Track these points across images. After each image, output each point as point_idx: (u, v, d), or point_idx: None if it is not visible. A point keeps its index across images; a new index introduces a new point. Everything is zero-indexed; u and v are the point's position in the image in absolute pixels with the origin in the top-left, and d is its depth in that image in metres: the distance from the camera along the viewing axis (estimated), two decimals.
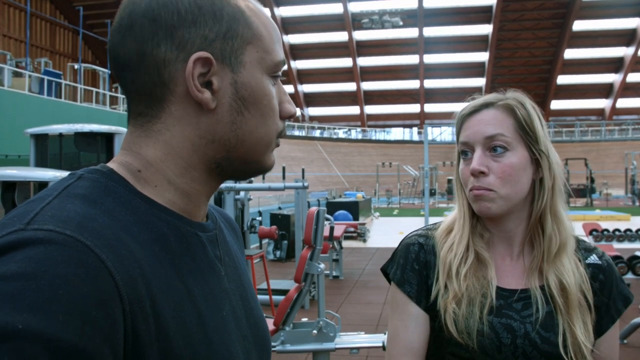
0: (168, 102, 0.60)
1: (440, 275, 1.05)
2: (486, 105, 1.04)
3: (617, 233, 11.24)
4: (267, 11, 0.67)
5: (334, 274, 8.27)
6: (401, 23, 44.05)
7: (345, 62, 49.83)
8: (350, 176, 40.34)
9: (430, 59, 49.39)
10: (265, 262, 6.09)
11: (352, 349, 3.97)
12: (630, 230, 11.44)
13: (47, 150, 8.40)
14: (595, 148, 41.04)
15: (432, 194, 27.92)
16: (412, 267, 1.08)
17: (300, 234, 6.24)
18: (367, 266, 9.29)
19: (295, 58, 49.86)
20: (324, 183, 36.57)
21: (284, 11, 46.99)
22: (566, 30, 44.79)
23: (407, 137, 48.69)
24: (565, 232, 1.03)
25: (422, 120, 49.94)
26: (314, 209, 4.35)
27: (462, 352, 1.00)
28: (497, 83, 47.15)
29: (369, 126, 51.42)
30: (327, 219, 7.20)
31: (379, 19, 43.78)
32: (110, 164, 0.61)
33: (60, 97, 19.70)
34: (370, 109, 53.12)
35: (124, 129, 8.07)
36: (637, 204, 26.00)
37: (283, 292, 5.71)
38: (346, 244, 10.71)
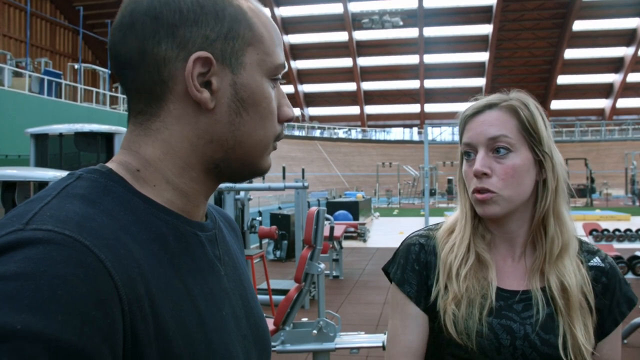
0: (167, 101, 0.60)
1: (441, 276, 1.04)
2: (489, 106, 1.04)
3: (617, 233, 11.25)
4: (268, 12, 0.67)
5: (334, 274, 8.27)
6: (401, 23, 44.05)
7: (346, 62, 49.83)
8: (350, 176, 40.34)
9: (430, 59, 49.38)
10: (265, 262, 6.09)
11: (352, 349, 3.97)
12: (630, 230, 11.45)
13: (47, 150, 8.40)
14: (595, 148, 41.04)
15: (432, 194, 27.93)
16: (413, 267, 1.08)
17: (300, 234, 6.24)
18: (367, 266, 9.29)
19: (295, 58, 49.85)
20: (324, 183, 36.57)
21: (284, 11, 46.99)
22: (566, 30, 44.79)
23: (407, 137, 48.67)
24: (567, 234, 1.03)
25: (422, 120, 49.94)
26: (314, 209, 4.35)
27: (461, 353, 1.00)
28: (497, 83, 47.21)
29: (369, 126, 51.41)
30: (327, 219, 7.21)
31: (379, 19, 43.78)
32: (110, 164, 0.61)
33: (61, 97, 19.71)
34: (371, 109, 53.11)
35: (124, 129, 8.07)
36: (637, 204, 26.00)
37: (283, 292, 5.71)
38: (346, 244, 10.71)
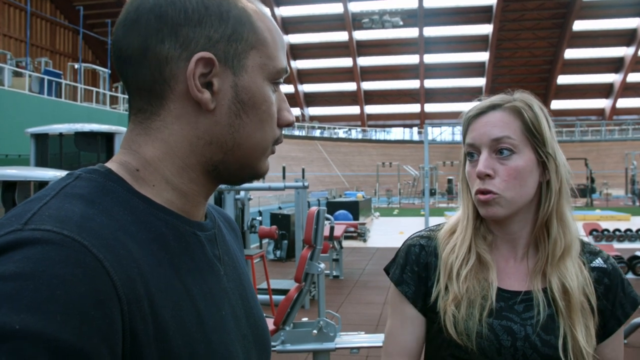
0: (167, 100, 0.60)
1: (442, 276, 1.04)
2: (493, 107, 1.03)
3: (617, 233, 11.26)
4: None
5: (334, 273, 8.27)
6: (401, 23, 44.06)
7: (346, 62, 49.84)
8: (351, 176, 40.35)
9: (430, 58, 49.39)
10: (265, 261, 6.09)
11: (352, 348, 3.97)
12: (630, 230, 11.45)
13: (47, 149, 8.40)
14: (596, 148, 41.03)
15: (432, 193, 27.93)
16: (412, 268, 1.08)
17: (301, 233, 6.24)
18: (367, 266, 9.29)
19: (295, 58, 49.87)
20: (324, 183, 36.57)
21: (284, 11, 47.01)
22: (566, 30, 44.80)
23: (407, 137, 48.68)
24: (570, 236, 1.02)
25: (422, 120, 49.94)
26: (314, 208, 4.35)
27: (462, 354, 1.00)
28: (497, 83, 47.23)
29: (369, 126, 51.42)
30: (327, 219, 7.21)
31: (379, 19, 43.78)
32: (109, 164, 0.61)
33: (61, 97, 19.72)
34: (371, 109, 53.12)
35: (124, 129, 8.07)
36: (637, 204, 26.00)
37: (283, 291, 5.71)
38: (346, 243, 10.71)
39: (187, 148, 0.61)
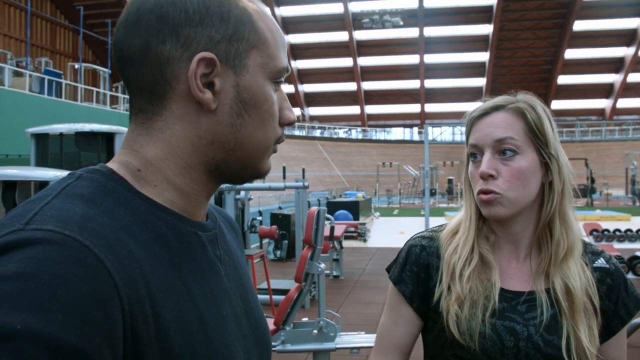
0: (169, 100, 0.60)
1: (444, 276, 1.05)
2: (496, 108, 1.04)
3: (617, 233, 11.27)
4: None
5: (334, 273, 8.27)
6: (402, 23, 44.06)
7: (346, 62, 49.85)
8: (351, 176, 40.35)
9: (430, 58, 49.39)
10: (265, 261, 6.09)
11: (352, 348, 3.97)
12: (630, 230, 11.46)
13: (47, 149, 8.40)
14: (596, 148, 41.03)
15: (433, 193, 27.94)
16: (411, 268, 1.09)
17: (301, 233, 6.24)
18: (368, 266, 9.30)
19: (295, 58, 49.87)
20: (324, 183, 36.57)
21: (285, 11, 47.01)
22: (567, 30, 44.79)
23: (407, 137, 48.67)
24: (573, 236, 1.03)
25: (422, 120, 49.93)
26: (314, 208, 4.35)
27: (464, 354, 1.00)
28: (497, 83, 47.23)
29: (370, 126, 51.42)
30: (328, 219, 7.20)
31: (379, 19, 43.78)
32: (110, 164, 0.61)
33: (61, 97, 19.73)
34: (371, 109, 53.12)
35: (124, 129, 8.08)
36: (638, 204, 26.01)
37: (283, 291, 5.71)
38: (346, 243, 10.71)
39: (189, 148, 0.61)
